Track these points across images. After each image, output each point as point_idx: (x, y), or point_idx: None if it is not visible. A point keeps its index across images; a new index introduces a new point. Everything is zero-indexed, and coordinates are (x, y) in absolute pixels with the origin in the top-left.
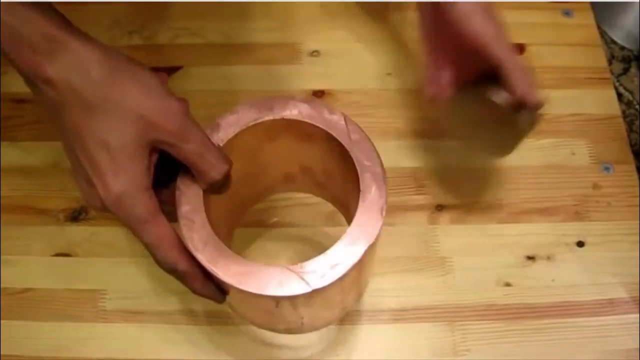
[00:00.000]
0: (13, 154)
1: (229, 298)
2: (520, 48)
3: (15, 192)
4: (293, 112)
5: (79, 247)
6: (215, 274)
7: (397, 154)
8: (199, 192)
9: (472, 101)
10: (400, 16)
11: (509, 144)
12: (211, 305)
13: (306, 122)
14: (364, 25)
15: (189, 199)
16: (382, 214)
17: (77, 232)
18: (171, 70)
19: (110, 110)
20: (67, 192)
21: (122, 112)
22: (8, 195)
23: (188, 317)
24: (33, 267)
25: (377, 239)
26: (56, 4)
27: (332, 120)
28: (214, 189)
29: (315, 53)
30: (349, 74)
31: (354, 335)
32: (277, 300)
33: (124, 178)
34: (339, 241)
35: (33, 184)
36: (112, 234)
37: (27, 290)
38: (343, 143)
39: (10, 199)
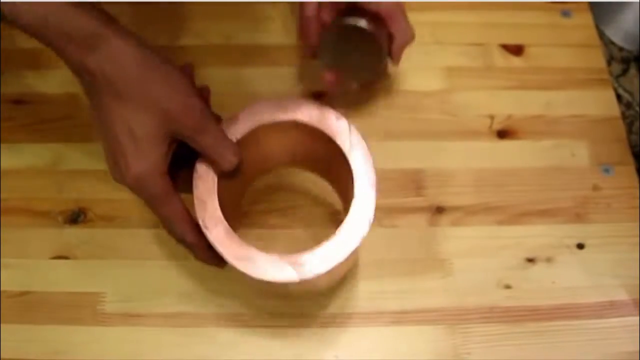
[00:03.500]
0: (11, 156)
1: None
2: (519, 49)
3: (13, 194)
4: (304, 114)
5: (78, 250)
6: (221, 254)
7: (397, 155)
8: (214, 177)
9: (339, 32)
10: None
11: (376, 66)
12: (209, 307)
13: (313, 126)
14: None
15: (204, 182)
16: (369, 220)
17: (76, 234)
18: None
19: (138, 102)
20: (65, 194)
21: (149, 105)
22: (6, 197)
23: (187, 319)
24: (32, 270)
25: (362, 241)
26: None
27: (337, 126)
28: (226, 175)
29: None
30: None
31: (355, 338)
32: (271, 283)
33: (144, 162)
34: (329, 240)
35: (31, 186)
36: (111, 236)
37: (26, 293)
38: (344, 149)
39: (9, 201)
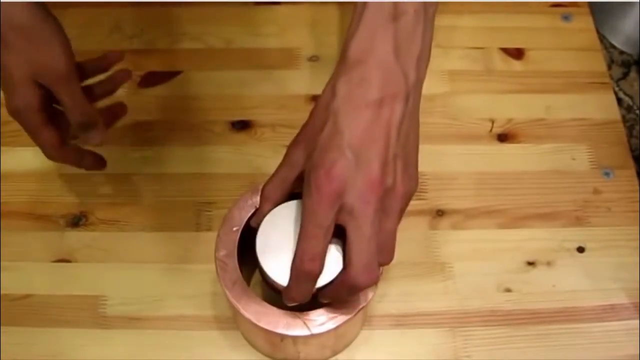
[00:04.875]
0: (13, 159)
1: (242, 327)
2: (520, 52)
3: (15, 198)
4: None
5: (79, 253)
6: (238, 309)
7: None
8: (234, 240)
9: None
10: None
11: None
12: (210, 310)
13: None
14: None
15: (226, 245)
16: (376, 284)
17: (77, 237)
18: (171, 75)
19: (16, 51)
20: (66, 198)
21: (23, 56)
22: (8, 201)
23: (188, 322)
24: (33, 273)
25: (368, 303)
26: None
27: None
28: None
29: (314, 58)
30: None
31: (355, 340)
32: (282, 336)
33: (18, 98)
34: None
35: (33, 190)
36: (112, 240)
37: (27, 296)
38: None
39: (10, 204)
